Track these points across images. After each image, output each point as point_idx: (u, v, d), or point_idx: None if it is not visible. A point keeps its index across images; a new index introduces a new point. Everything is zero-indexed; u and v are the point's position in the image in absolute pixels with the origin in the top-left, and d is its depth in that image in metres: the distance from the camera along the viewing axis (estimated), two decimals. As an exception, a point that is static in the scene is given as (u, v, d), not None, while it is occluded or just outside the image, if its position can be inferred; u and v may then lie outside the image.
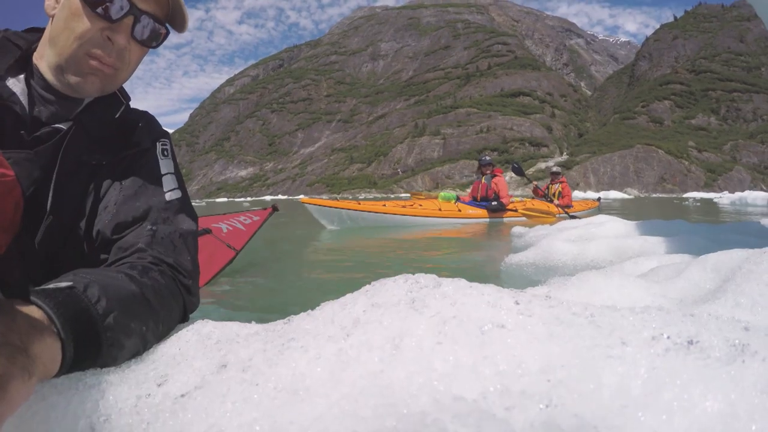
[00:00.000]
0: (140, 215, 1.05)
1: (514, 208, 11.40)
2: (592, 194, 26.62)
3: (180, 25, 1.10)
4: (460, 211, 10.55)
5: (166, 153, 1.19)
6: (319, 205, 9.29)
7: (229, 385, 0.55)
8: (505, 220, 11.00)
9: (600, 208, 15.88)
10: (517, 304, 0.49)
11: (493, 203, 11.09)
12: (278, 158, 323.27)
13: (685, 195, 73.59)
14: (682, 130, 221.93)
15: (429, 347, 0.47)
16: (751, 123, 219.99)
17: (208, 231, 4.21)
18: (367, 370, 0.46)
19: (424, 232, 8.49)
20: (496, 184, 11.37)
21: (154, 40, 1.06)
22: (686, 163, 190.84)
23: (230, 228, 4.65)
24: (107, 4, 0.95)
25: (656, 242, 3.79)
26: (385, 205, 9.83)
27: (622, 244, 3.87)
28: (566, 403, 0.40)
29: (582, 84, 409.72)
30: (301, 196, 10.34)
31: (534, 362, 0.43)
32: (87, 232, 1.05)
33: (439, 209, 10.19)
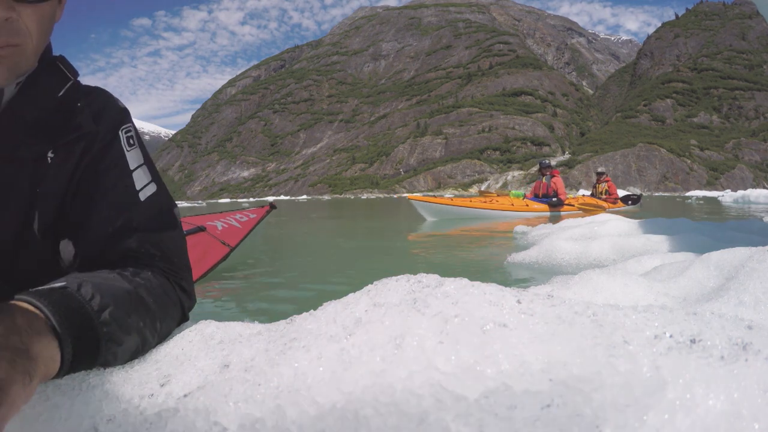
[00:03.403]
0: (120, 224, 0.95)
1: (571, 203, 13.28)
2: (633, 190, 27.98)
3: None
4: (527, 206, 12.61)
5: (131, 141, 1.04)
6: (421, 201, 11.39)
7: (231, 385, 0.55)
8: (563, 213, 12.72)
9: (641, 204, 17.32)
10: (519, 303, 0.49)
11: (553, 199, 13.04)
12: (280, 159, 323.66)
13: (687, 193, 73.60)
14: (684, 128, 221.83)
15: (431, 347, 0.46)
16: (753, 121, 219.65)
17: (202, 228, 4.22)
18: (369, 370, 0.46)
19: (468, 226, 9.36)
20: (554, 183, 13.34)
21: None
22: (688, 161, 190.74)
23: (225, 225, 4.64)
24: None
25: (659, 240, 3.79)
26: (471, 201, 12.01)
27: (625, 243, 3.87)
28: (568, 402, 0.39)
29: (584, 83, 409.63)
30: (407, 194, 12.73)
31: (536, 361, 0.43)
32: (46, 239, 0.95)
33: (512, 204, 12.27)
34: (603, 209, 13.29)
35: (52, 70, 0.97)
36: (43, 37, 0.88)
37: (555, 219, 10.28)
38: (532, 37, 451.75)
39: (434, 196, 14.04)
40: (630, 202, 16.80)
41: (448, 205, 11.52)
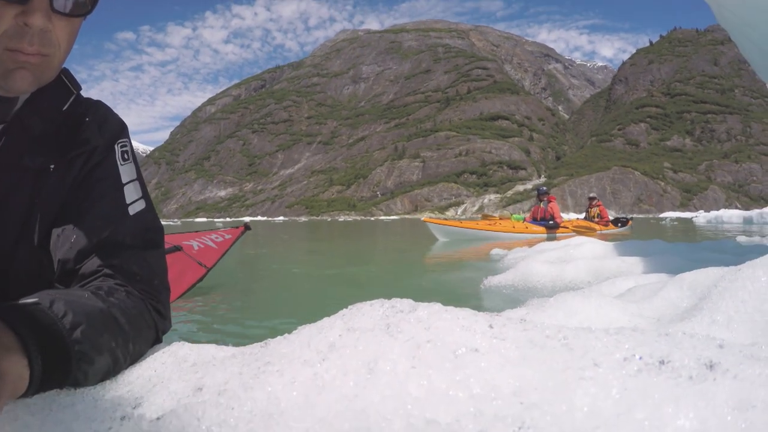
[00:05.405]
0: (105, 236, 0.95)
1: (566, 226, 14.52)
2: (610, 213, 29.37)
3: None
4: (527, 228, 13.96)
5: (126, 156, 1.05)
6: (435, 223, 13.05)
7: (204, 409, 0.54)
8: (559, 235, 13.79)
9: (632, 227, 18.45)
10: (491, 327, 0.50)
11: (550, 222, 14.37)
12: (258, 179, 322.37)
13: (661, 215, 75.03)
14: (657, 151, 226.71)
15: (403, 371, 0.47)
16: (725, 143, 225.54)
17: (178, 248, 4.18)
18: (342, 394, 0.46)
19: (469, 247, 10.05)
20: (551, 207, 14.66)
21: (81, 8, 0.87)
22: (662, 183, 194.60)
23: (201, 246, 4.60)
24: None
25: (633, 262, 3.84)
26: (477, 224, 13.51)
27: (600, 265, 3.92)
28: (539, 425, 0.40)
29: (560, 108, 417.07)
30: (424, 216, 14.60)
31: (507, 385, 0.43)
32: (41, 248, 0.95)
33: (513, 227, 13.61)
34: (595, 231, 14.55)
35: (58, 83, 0.99)
36: (68, 51, 0.90)
37: (552, 239, 11.29)
38: (509, 63, 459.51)
39: (445, 219, 16.26)
40: (620, 224, 17.79)
41: (458, 227, 13.01)
